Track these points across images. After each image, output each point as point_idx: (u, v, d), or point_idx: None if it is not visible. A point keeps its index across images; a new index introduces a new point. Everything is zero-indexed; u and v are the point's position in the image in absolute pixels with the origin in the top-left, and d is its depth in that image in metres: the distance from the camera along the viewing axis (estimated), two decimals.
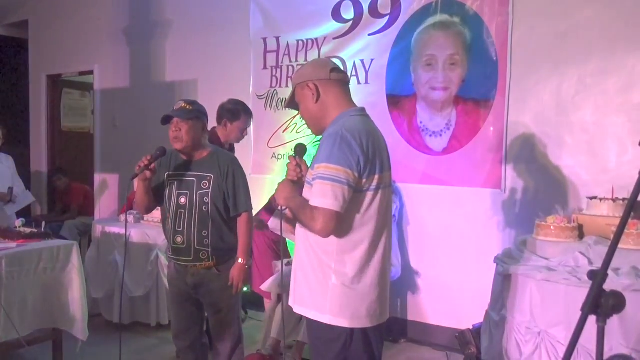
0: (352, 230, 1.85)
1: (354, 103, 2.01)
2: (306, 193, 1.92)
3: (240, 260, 2.70)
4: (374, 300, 1.89)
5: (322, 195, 1.78)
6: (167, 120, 2.67)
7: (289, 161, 2.05)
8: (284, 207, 1.98)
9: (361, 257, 1.86)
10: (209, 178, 2.65)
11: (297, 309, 1.97)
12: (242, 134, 3.60)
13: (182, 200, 2.65)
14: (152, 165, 2.59)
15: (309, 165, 2.04)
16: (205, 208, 2.64)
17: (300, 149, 2.09)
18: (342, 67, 2.08)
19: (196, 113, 2.68)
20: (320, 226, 1.79)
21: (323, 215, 1.77)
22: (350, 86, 2.08)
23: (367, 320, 1.89)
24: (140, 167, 2.55)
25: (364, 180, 1.83)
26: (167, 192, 2.71)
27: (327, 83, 1.96)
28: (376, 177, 1.86)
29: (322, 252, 1.88)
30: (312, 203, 1.81)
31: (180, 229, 2.65)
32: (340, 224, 1.80)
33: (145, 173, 2.58)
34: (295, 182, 2.00)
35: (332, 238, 1.84)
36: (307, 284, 1.93)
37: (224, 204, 2.68)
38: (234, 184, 2.68)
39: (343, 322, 1.86)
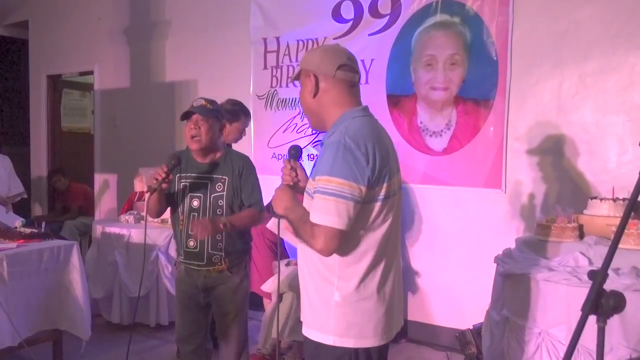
0: (355, 244, 1.70)
1: (357, 104, 1.83)
2: (306, 203, 1.78)
3: (222, 220, 2.54)
4: (380, 317, 1.74)
5: (325, 211, 1.62)
6: (186, 116, 2.62)
7: (283, 165, 1.93)
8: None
9: (365, 271, 1.71)
10: (223, 180, 2.61)
11: (303, 329, 1.83)
12: (240, 134, 3.60)
13: (195, 203, 2.60)
14: (170, 177, 2.54)
15: (304, 168, 1.96)
16: (219, 211, 2.59)
17: (295, 152, 1.97)
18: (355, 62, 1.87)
19: (216, 113, 2.64)
20: (320, 245, 1.64)
21: (324, 234, 1.62)
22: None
23: (373, 340, 1.74)
24: (158, 180, 2.49)
25: (371, 192, 1.67)
26: (179, 194, 2.65)
27: (330, 80, 1.77)
28: (384, 186, 1.70)
29: (324, 266, 1.73)
30: (312, 219, 1.66)
31: (193, 233, 2.59)
32: (344, 242, 1.66)
33: (162, 185, 2.53)
34: (292, 187, 1.88)
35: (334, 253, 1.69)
36: (308, 301, 1.79)
37: (239, 207, 2.63)
38: (247, 182, 2.64)
39: (348, 342, 1.71)
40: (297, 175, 1.91)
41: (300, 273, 1.85)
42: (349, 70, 1.79)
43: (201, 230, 2.47)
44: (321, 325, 1.75)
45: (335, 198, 1.62)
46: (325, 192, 1.63)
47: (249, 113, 3.68)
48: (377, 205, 1.70)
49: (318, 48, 1.92)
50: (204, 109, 2.60)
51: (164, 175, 2.49)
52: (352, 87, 1.82)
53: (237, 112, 3.52)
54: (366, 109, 1.82)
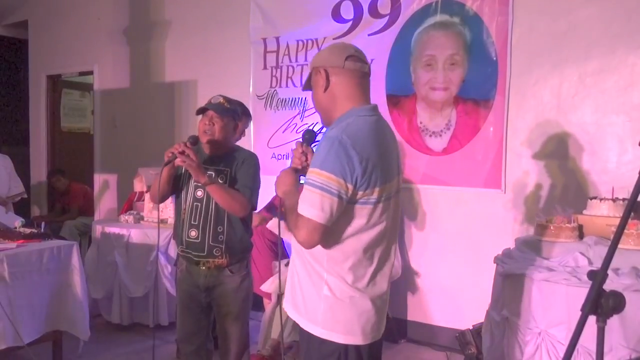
0: (343, 242, 1.71)
1: (367, 99, 1.83)
2: None
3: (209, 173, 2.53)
4: (370, 316, 1.76)
5: (310, 203, 1.65)
6: (202, 111, 2.61)
7: (294, 147, 1.91)
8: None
9: (354, 270, 1.72)
10: (225, 172, 2.62)
11: (292, 314, 1.86)
12: (240, 135, 3.61)
13: (199, 193, 2.61)
14: (185, 153, 2.47)
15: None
16: None
17: (309, 136, 1.94)
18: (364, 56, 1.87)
19: (232, 112, 2.65)
20: (302, 237, 1.67)
21: (306, 226, 1.65)
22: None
23: (361, 337, 1.75)
24: (174, 153, 2.45)
25: (360, 193, 1.67)
26: (184, 181, 2.64)
27: (340, 72, 1.78)
28: (376, 190, 1.69)
29: (314, 259, 1.75)
30: (298, 209, 1.68)
31: (196, 223, 2.61)
32: (325, 237, 1.68)
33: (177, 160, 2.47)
34: (300, 171, 1.87)
35: (321, 248, 1.71)
36: (301, 290, 1.81)
37: None
38: (244, 171, 2.63)
39: (336, 338, 1.73)
40: (307, 159, 1.88)
41: (292, 263, 1.86)
42: (357, 60, 1.80)
43: (188, 154, 2.42)
44: (310, 315, 1.77)
45: (321, 192, 1.63)
46: (314, 184, 1.65)
47: (249, 113, 3.68)
48: (368, 207, 1.70)
49: (325, 47, 1.95)
50: (221, 106, 2.61)
51: (180, 150, 2.45)
52: (362, 79, 1.82)
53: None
54: (375, 108, 1.82)
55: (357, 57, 1.81)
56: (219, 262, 2.63)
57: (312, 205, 1.64)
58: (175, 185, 2.67)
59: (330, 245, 1.71)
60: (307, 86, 1.92)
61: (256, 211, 3.71)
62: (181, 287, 2.77)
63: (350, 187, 1.65)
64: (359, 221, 1.71)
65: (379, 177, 1.69)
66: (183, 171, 2.65)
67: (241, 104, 3.60)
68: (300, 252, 1.80)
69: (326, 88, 1.80)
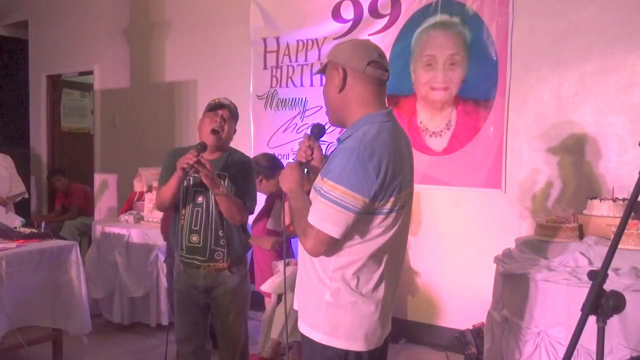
0: (350, 248, 1.68)
1: (382, 105, 1.76)
2: (312, 197, 1.75)
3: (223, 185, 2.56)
4: (372, 322, 1.72)
5: (323, 217, 1.62)
6: (217, 107, 2.63)
7: (302, 140, 1.87)
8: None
9: (360, 274, 1.69)
10: (223, 177, 2.62)
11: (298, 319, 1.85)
12: (276, 189, 3.72)
13: (199, 198, 2.61)
14: (201, 161, 2.47)
15: (322, 149, 1.90)
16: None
17: (318, 130, 1.89)
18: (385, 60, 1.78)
19: (237, 116, 2.71)
20: (309, 246, 1.66)
21: (316, 237, 1.63)
22: None
23: (363, 344, 1.71)
24: (189, 164, 2.43)
25: (376, 204, 1.64)
26: (183, 187, 2.62)
27: (359, 76, 1.71)
28: (391, 199, 1.66)
29: (319, 264, 1.72)
30: (309, 219, 1.65)
31: (197, 228, 2.61)
32: (334, 248, 1.66)
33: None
34: (304, 164, 1.84)
35: (328, 255, 1.69)
36: (303, 295, 1.80)
37: None
38: (245, 180, 2.65)
39: (336, 343, 1.70)
40: (312, 154, 1.86)
41: (299, 267, 1.85)
42: (378, 67, 1.73)
43: (204, 164, 2.43)
44: (312, 320, 1.75)
45: (336, 206, 1.60)
46: (329, 197, 1.62)
47: (283, 166, 3.78)
48: (381, 217, 1.67)
49: (349, 41, 1.87)
50: (233, 108, 2.67)
51: (194, 159, 2.42)
52: (380, 86, 1.76)
53: (273, 168, 3.71)
54: (390, 113, 1.75)
55: (379, 63, 1.73)
56: (219, 266, 2.64)
57: (325, 219, 1.62)
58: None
59: (338, 252, 1.69)
60: (322, 72, 1.84)
61: (253, 219, 3.77)
62: (178, 287, 2.75)
63: (366, 201, 1.61)
64: (369, 230, 1.68)
65: (396, 187, 1.66)
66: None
67: (274, 159, 3.85)
68: (305, 257, 1.77)
69: (341, 89, 1.74)
